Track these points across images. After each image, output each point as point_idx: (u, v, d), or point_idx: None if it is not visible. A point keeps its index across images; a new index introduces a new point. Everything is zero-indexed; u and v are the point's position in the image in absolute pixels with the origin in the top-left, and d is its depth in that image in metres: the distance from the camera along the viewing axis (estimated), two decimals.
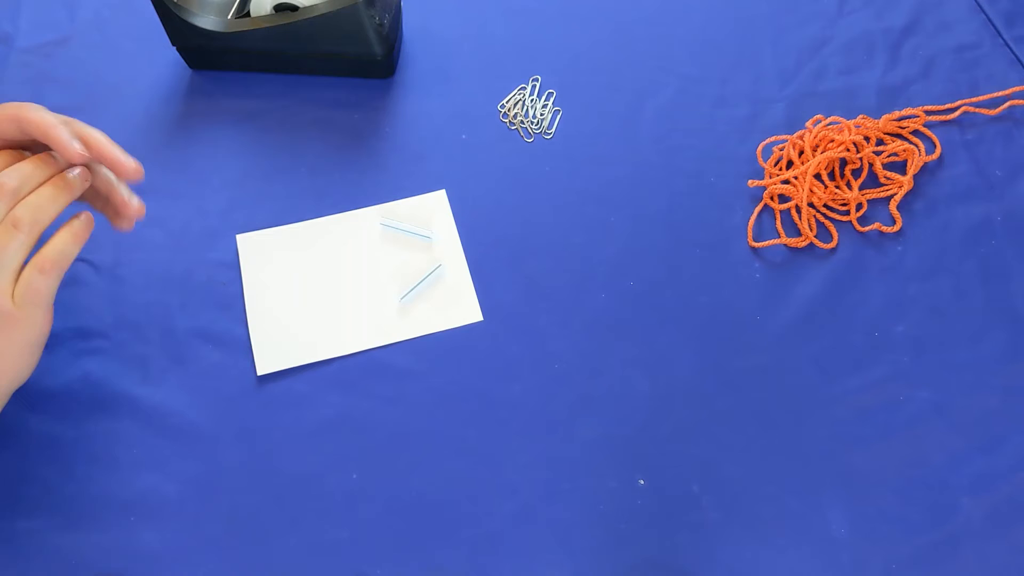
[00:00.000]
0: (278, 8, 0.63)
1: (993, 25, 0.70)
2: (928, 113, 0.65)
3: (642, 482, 0.50)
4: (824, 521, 0.49)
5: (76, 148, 0.45)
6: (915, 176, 0.62)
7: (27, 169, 0.44)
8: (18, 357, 0.46)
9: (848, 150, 0.61)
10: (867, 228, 0.60)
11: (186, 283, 0.57)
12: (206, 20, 0.64)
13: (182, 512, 0.49)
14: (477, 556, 0.48)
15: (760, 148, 0.63)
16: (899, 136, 0.64)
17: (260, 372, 0.53)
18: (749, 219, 0.60)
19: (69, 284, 0.56)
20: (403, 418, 0.52)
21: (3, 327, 0.44)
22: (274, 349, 0.54)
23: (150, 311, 0.56)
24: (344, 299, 0.57)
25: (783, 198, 0.61)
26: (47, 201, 0.44)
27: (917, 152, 0.62)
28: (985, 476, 0.50)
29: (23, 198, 0.44)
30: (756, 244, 0.59)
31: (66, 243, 0.45)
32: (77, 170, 0.46)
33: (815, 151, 0.62)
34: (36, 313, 0.45)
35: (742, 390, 0.54)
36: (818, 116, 0.64)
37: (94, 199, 0.49)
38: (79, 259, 0.57)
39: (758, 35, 0.70)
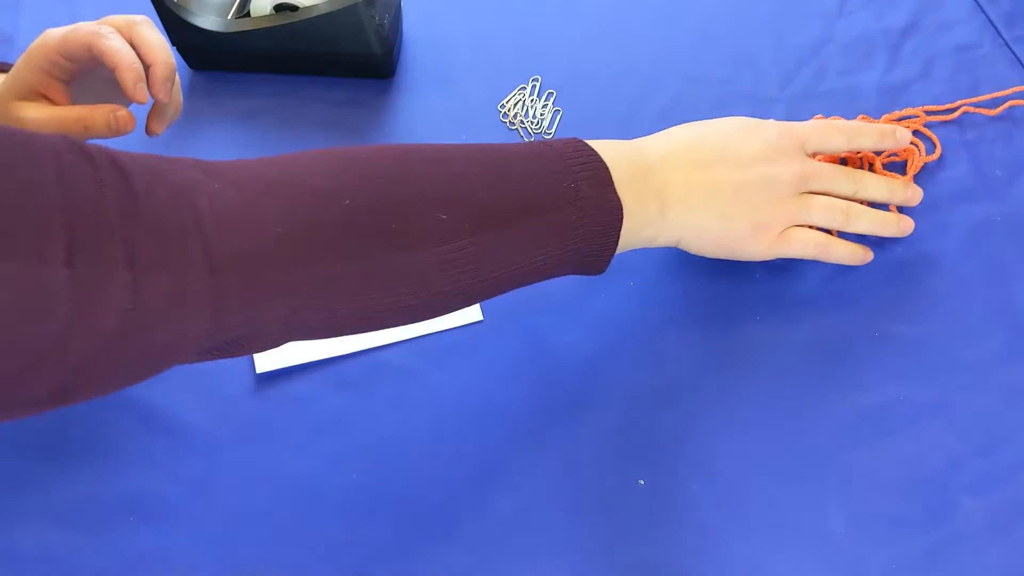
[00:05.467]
0: (278, 8, 0.64)
1: (993, 25, 0.70)
2: (928, 113, 0.65)
3: (642, 482, 0.50)
4: (824, 521, 0.49)
5: (140, 95, 0.48)
6: (915, 176, 0.62)
7: None
8: None
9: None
10: None
11: None
12: (206, 20, 0.64)
13: (182, 512, 0.49)
14: (477, 556, 0.48)
15: None
16: None
17: (260, 370, 0.53)
18: None
19: None
20: (403, 418, 0.52)
21: None
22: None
23: None
24: None
25: None
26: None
27: (917, 152, 0.62)
28: (985, 476, 0.50)
29: None
30: None
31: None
32: (123, 112, 0.49)
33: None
34: None
35: (742, 390, 0.53)
36: (818, 116, 0.64)
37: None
38: None
39: (758, 35, 0.70)
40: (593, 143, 0.48)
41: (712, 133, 0.51)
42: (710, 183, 0.49)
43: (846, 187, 0.53)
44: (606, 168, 0.46)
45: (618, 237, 0.47)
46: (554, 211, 0.44)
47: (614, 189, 0.46)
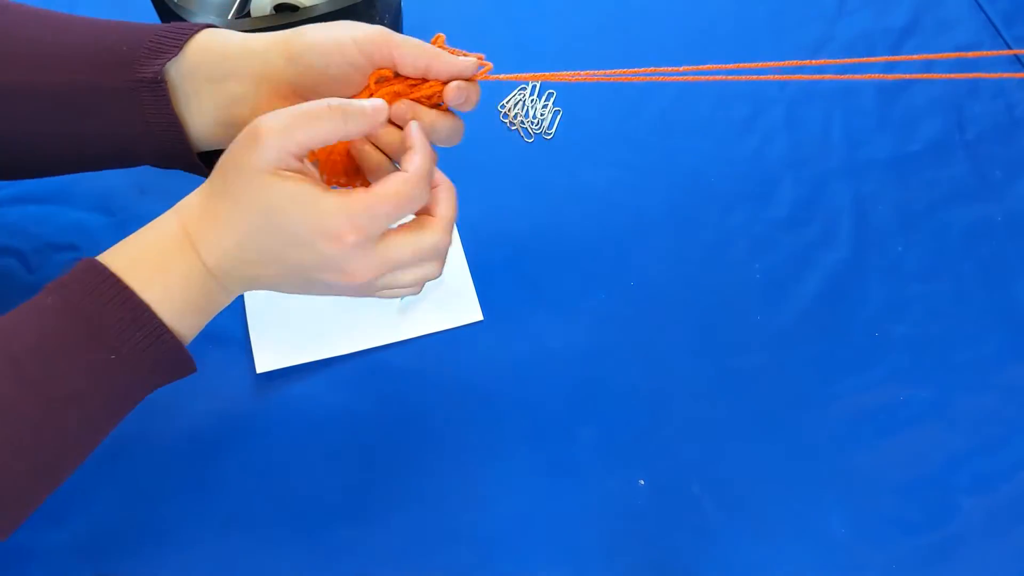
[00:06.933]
0: (278, 8, 0.64)
1: (993, 25, 0.70)
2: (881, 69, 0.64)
3: (642, 482, 0.50)
4: (824, 521, 0.49)
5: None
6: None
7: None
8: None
9: None
10: None
11: None
12: (206, 20, 0.64)
13: (181, 512, 0.49)
14: (477, 556, 0.48)
15: None
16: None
17: (259, 370, 0.53)
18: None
19: None
20: (403, 418, 0.52)
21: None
22: (274, 347, 0.54)
23: None
24: (344, 298, 0.56)
25: None
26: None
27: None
28: (985, 476, 0.50)
29: None
30: None
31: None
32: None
33: None
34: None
35: (742, 390, 0.54)
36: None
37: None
38: (78, 258, 0.57)
39: (758, 35, 0.70)
40: (131, 263, 0.42)
41: (263, 233, 0.41)
42: (270, 281, 0.44)
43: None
44: (149, 315, 0.41)
45: (185, 357, 0.43)
46: (113, 386, 0.41)
47: (166, 334, 0.41)
